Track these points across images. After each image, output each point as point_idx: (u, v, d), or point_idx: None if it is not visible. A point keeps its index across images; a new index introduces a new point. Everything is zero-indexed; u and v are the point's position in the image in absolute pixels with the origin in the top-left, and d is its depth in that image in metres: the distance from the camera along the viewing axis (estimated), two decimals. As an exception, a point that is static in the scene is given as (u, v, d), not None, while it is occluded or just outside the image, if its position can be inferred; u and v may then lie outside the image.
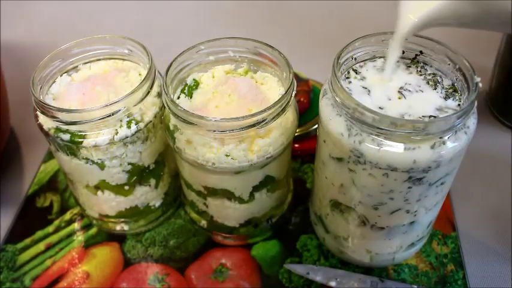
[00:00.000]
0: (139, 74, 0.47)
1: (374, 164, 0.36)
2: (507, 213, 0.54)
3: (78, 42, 0.47)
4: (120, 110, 0.42)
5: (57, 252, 0.52)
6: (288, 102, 0.41)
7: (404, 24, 0.37)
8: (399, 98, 0.38)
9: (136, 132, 0.44)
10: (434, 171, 0.37)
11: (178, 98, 0.44)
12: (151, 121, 0.45)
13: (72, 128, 0.42)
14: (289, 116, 0.43)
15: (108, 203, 0.49)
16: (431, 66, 0.41)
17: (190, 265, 0.50)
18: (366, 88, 0.39)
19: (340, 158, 0.39)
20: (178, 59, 0.44)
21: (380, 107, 0.37)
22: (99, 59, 0.49)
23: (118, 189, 0.48)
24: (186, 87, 0.45)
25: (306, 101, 0.60)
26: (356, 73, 0.41)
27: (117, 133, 0.43)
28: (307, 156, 0.60)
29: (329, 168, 0.41)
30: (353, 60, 0.41)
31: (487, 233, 0.52)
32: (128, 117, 0.43)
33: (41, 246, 0.52)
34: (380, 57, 0.42)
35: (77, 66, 0.48)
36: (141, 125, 0.44)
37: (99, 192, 0.48)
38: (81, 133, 0.42)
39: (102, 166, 0.45)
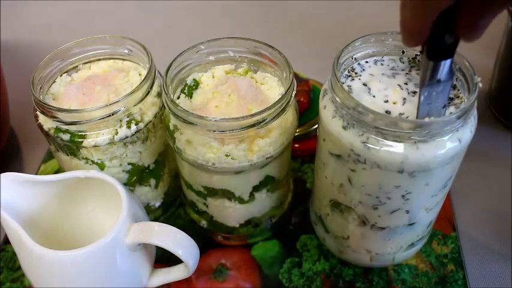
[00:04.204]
0: (140, 74, 0.47)
1: (374, 163, 0.36)
2: (507, 213, 0.54)
3: (78, 42, 0.47)
4: (120, 110, 0.42)
5: (57, 252, 0.52)
6: (288, 102, 0.41)
7: None
8: (399, 98, 0.38)
9: (136, 132, 0.44)
10: (434, 171, 0.37)
11: (178, 98, 0.44)
12: (151, 121, 0.45)
13: (72, 128, 0.42)
14: (289, 116, 0.43)
15: (108, 203, 0.49)
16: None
17: (190, 265, 0.50)
18: (366, 85, 0.39)
19: (340, 155, 0.39)
20: (178, 59, 0.43)
21: (380, 107, 0.37)
22: (99, 59, 0.49)
23: (118, 189, 0.48)
24: (186, 87, 0.45)
25: (306, 101, 0.60)
26: (356, 72, 0.41)
27: (117, 133, 0.43)
28: (307, 156, 0.60)
29: (329, 167, 0.41)
30: (353, 60, 0.41)
31: (487, 233, 0.52)
32: (127, 117, 0.43)
33: (41, 246, 0.52)
34: (381, 56, 0.42)
35: (77, 66, 0.48)
36: (141, 125, 0.44)
37: (99, 192, 0.48)
38: (81, 133, 0.42)
39: (102, 166, 0.45)
